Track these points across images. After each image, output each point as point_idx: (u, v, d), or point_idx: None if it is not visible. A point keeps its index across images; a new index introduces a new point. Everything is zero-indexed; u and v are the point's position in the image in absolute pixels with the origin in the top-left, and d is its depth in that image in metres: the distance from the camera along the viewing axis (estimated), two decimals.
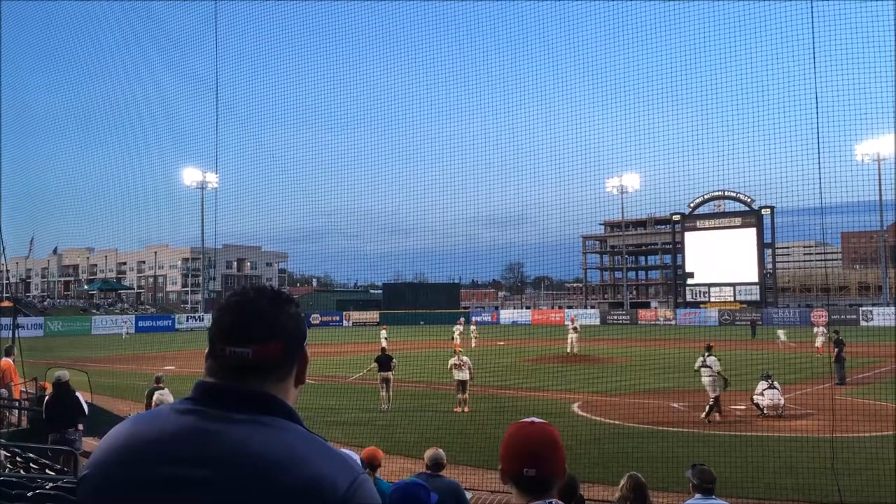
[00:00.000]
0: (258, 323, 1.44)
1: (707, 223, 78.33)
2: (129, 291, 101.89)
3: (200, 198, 69.62)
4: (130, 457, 1.36)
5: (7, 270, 60.22)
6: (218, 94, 21.86)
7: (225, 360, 1.42)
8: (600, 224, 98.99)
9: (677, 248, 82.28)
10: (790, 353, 28.19)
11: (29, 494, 4.49)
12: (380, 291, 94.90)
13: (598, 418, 16.42)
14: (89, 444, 11.15)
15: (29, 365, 15.21)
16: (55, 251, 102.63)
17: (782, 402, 16.20)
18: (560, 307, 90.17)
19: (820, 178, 12.54)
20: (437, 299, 76.69)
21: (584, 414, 17.17)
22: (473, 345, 36.28)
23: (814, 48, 12.96)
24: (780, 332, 35.47)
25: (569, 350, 32.31)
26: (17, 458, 7.54)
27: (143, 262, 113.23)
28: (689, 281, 78.37)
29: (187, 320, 69.15)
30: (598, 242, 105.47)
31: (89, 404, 12.17)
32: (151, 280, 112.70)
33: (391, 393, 18.56)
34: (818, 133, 11.74)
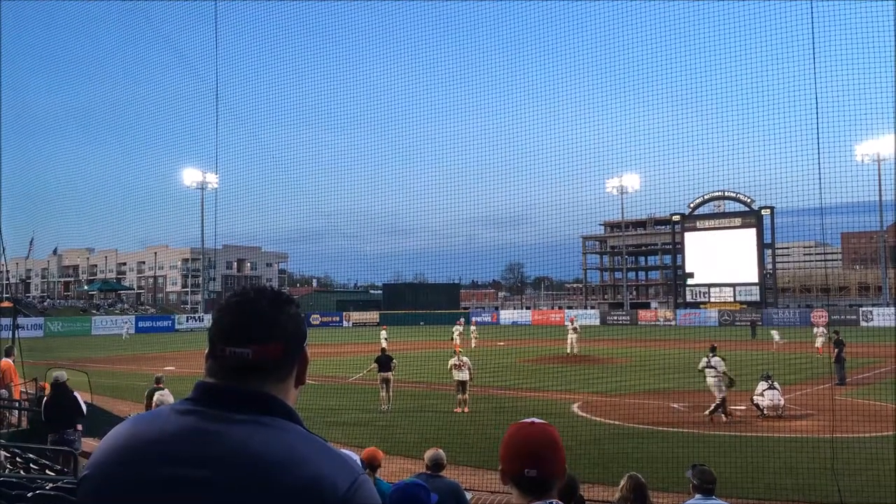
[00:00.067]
0: (258, 323, 1.44)
1: (707, 223, 78.34)
2: (129, 292, 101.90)
3: (200, 198, 69.75)
4: (131, 457, 1.36)
5: (7, 271, 60.16)
6: (218, 94, 21.85)
7: (225, 360, 1.42)
8: (600, 224, 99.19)
9: (677, 249, 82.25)
10: (784, 353, 28.14)
11: (29, 495, 4.49)
12: (380, 292, 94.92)
13: (598, 419, 16.42)
14: (89, 444, 11.14)
15: (29, 365, 15.23)
16: (55, 252, 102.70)
17: (782, 402, 16.21)
18: (560, 307, 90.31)
19: (820, 179, 12.52)
20: (437, 300, 76.72)
21: (584, 414, 17.17)
22: (473, 345, 36.25)
23: (814, 48, 12.94)
24: (774, 333, 35.25)
25: (569, 350, 32.28)
26: (18, 459, 7.54)
27: (143, 262, 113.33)
28: (689, 281, 78.38)
29: (187, 321, 69.12)
30: (598, 243, 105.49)
31: (89, 405, 12.18)
32: (151, 280, 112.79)
33: (391, 393, 18.56)
34: (818, 133, 11.73)
